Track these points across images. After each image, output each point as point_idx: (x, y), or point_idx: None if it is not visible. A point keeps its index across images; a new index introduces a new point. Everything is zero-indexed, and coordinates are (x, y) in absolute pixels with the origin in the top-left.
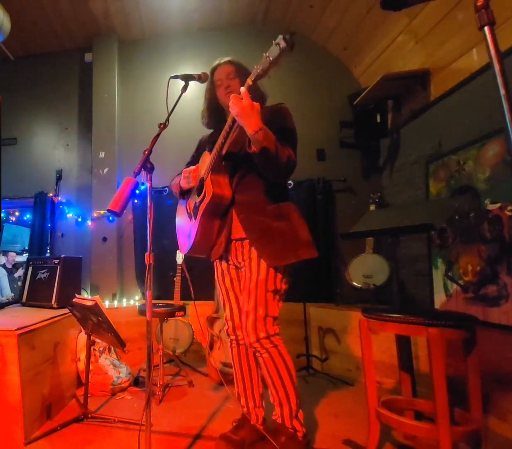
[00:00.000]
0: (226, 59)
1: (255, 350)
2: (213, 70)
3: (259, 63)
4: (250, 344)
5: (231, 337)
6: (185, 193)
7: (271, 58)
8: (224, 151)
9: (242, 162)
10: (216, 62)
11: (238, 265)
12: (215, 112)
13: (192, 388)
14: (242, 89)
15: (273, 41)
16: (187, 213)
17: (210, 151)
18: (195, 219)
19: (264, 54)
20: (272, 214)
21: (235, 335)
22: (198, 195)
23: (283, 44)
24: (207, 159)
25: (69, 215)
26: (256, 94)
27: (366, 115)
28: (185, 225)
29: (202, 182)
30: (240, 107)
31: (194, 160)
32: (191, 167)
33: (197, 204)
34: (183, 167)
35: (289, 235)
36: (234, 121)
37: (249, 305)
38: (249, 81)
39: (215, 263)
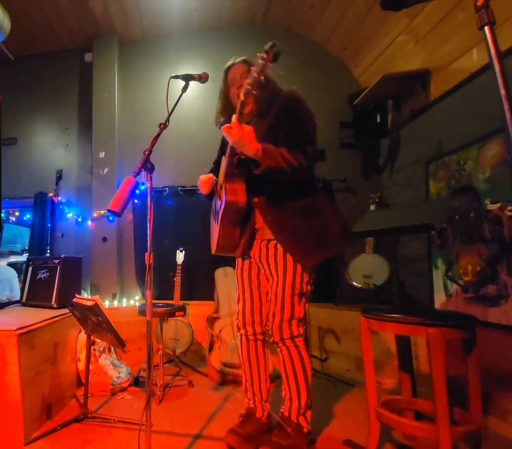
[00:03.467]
0: (241, 58)
1: (276, 345)
2: (227, 70)
3: (248, 78)
4: (273, 341)
5: (241, 332)
6: (209, 194)
7: (255, 73)
8: (235, 160)
9: None
10: (230, 62)
11: (262, 266)
12: (229, 112)
13: (192, 388)
14: (233, 118)
15: (258, 55)
16: (213, 214)
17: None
18: (217, 222)
19: (251, 68)
20: (298, 213)
21: (245, 330)
22: (219, 200)
23: (264, 56)
24: (223, 163)
25: (69, 215)
26: (267, 90)
27: (366, 115)
28: (214, 226)
29: (221, 188)
30: (232, 138)
31: (219, 157)
32: (204, 176)
33: (218, 209)
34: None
35: (318, 232)
36: None
37: (276, 307)
38: (241, 96)
39: (237, 259)
